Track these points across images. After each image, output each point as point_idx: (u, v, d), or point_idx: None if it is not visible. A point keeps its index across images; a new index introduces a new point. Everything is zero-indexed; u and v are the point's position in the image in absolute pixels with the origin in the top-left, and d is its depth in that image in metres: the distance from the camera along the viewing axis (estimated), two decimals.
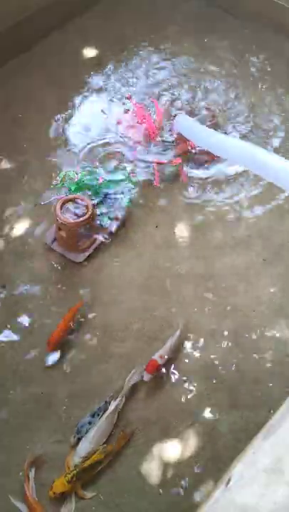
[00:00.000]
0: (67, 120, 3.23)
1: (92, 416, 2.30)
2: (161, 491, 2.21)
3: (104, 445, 2.23)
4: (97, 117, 3.24)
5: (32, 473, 2.18)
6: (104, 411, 2.31)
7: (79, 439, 2.25)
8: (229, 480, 1.32)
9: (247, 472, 1.33)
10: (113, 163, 2.93)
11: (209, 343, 2.55)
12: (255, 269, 2.76)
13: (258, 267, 2.77)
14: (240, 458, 1.45)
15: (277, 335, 2.57)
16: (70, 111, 3.27)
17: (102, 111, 3.26)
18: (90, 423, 2.28)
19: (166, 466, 2.27)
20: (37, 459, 2.23)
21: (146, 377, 2.37)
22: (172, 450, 2.30)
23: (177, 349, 2.49)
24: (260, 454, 1.35)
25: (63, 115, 3.24)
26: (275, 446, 1.35)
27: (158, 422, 2.36)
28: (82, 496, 2.17)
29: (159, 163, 2.99)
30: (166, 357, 2.41)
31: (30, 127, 3.22)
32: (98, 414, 2.30)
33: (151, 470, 2.26)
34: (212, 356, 2.51)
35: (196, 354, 2.51)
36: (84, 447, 2.21)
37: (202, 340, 2.55)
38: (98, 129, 3.19)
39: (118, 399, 2.34)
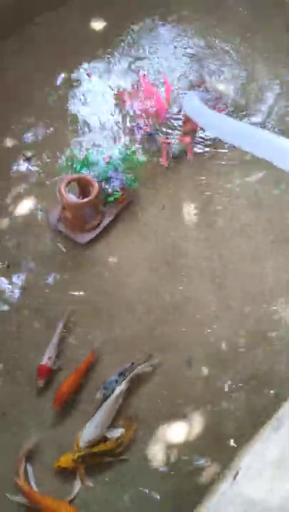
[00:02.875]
0: (72, 96, 3.16)
1: (119, 375, 2.33)
2: (165, 472, 2.23)
3: (117, 435, 2.24)
4: (104, 93, 3.16)
5: (23, 463, 2.20)
6: (131, 372, 2.34)
7: (105, 395, 2.29)
8: (237, 473, 1.32)
9: (255, 465, 1.32)
10: (119, 142, 2.86)
11: (215, 324, 2.53)
12: (262, 251, 2.72)
13: (265, 249, 2.73)
14: (247, 450, 1.44)
15: (285, 316, 2.55)
16: (75, 87, 3.19)
17: (109, 86, 3.17)
18: (116, 381, 2.31)
19: (171, 448, 2.28)
20: (30, 449, 2.25)
21: (40, 383, 2.35)
22: (177, 432, 2.31)
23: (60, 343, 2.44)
24: (268, 447, 1.34)
25: (68, 88, 3.17)
26: (282, 440, 1.34)
27: (163, 405, 2.36)
28: (82, 479, 2.20)
29: (166, 142, 2.92)
30: (53, 357, 2.38)
31: (34, 104, 3.14)
32: (124, 375, 2.33)
33: (157, 452, 2.27)
34: (218, 338, 2.50)
35: (201, 336, 2.50)
36: (89, 432, 2.22)
37: (207, 321, 2.53)
38: (104, 105, 3.11)
39: (124, 384, 2.33)
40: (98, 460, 2.22)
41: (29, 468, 2.21)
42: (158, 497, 2.19)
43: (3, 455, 2.26)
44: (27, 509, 2.14)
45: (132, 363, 2.37)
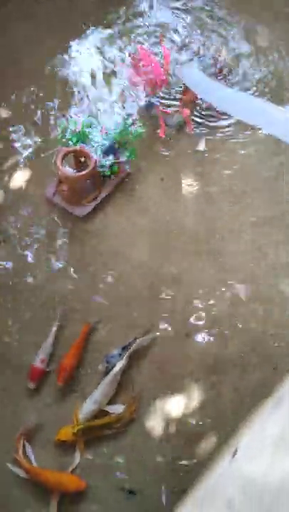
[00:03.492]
0: (68, 65, 3.06)
1: (123, 349, 2.35)
2: (164, 443, 2.25)
3: (119, 412, 2.26)
4: (100, 62, 3.06)
5: (22, 442, 2.21)
6: (133, 346, 2.34)
7: (107, 368, 2.30)
8: (236, 451, 1.33)
9: (254, 443, 1.33)
10: (117, 113, 2.78)
11: (212, 299, 2.52)
12: (262, 225, 2.69)
13: (265, 224, 2.69)
14: (246, 427, 1.45)
15: (285, 291, 2.54)
16: (70, 55, 3.10)
17: (104, 55, 3.07)
18: (119, 355, 2.33)
19: (169, 420, 2.30)
20: (28, 428, 2.26)
21: (31, 385, 2.30)
22: (176, 405, 2.32)
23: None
24: (268, 426, 1.35)
25: (64, 59, 3.08)
26: (283, 418, 1.35)
27: (162, 378, 2.37)
28: (81, 452, 2.22)
29: (164, 113, 2.84)
30: (47, 358, 2.33)
31: (30, 72, 3.05)
32: (127, 349, 2.34)
33: (155, 424, 2.29)
34: (217, 312, 2.49)
35: (199, 310, 2.49)
36: (88, 406, 2.24)
37: (205, 296, 2.52)
38: (101, 75, 3.02)
39: (124, 359, 2.34)
40: (97, 433, 2.25)
41: (27, 446, 2.22)
42: (157, 468, 2.22)
43: (2, 429, 2.28)
44: (27, 481, 2.18)
45: (135, 338, 2.38)
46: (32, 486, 2.16)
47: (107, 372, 2.31)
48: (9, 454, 2.22)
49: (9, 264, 2.59)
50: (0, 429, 2.29)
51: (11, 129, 2.91)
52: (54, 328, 2.41)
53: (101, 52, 3.11)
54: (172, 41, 3.11)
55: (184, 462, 2.22)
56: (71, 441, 2.22)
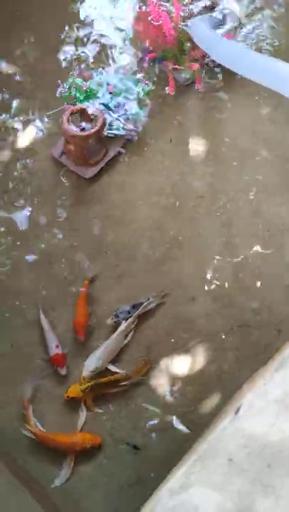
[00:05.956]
0: (74, 17, 2.96)
1: (133, 307, 2.37)
2: (169, 402, 2.30)
3: (125, 371, 2.31)
4: (106, 12, 2.95)
5: (31, 410, 2.26)
6: (144, 307, 2.37)
7: (115, 323, 2.35)
8: (239, 409, 1.35)
9: (257, 402, 1.35)
10: (125, 70, 2.70)
11: (217, 263, 2.51)
12: (271, 187, 2.65)
13: (273, 186, 2.65)
14: (249, 387, 1.47)
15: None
16: (77, 6, 2.98)
17: (114, 7, 2.95)
18: (128, 312, 2.36)
19: (174, 379, 2.34)
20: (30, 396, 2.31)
21: (63, 371, 2.32)
22: (181, 364, 2.36)
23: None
24: (272, 386, 1.37)
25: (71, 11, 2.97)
26: (287, 378, 1.36)
27: (167, 340, 2.40)
28: (90, 408, 2.28)
29: (174, 69, 2.75)
30: (58, 344, 2.34)
31: (33, 25, 2.95)
32: (138, 308, 2.36)
33: (161, 383, 2.33)
34: (222, 275, 2.49)
35: (205, 273, 2.50)
36: (92, 362, 2.28)
37: (212, 259, 2.52)
38: (108, 27, 2.91)
39: (130, 320, 2.36)
40: (105, 390, 2.29)
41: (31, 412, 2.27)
42: (162, 425, 2.28)
43: (11, 386, 2.34)
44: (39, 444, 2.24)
45: (148, 298, 2.39)
46: (44, 448, 2.22)
47: (115, 326, 2.34)
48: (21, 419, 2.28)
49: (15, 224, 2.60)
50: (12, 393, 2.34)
51: (15, 85, 2.84)
52: (41, 316, 2.41)
53: (109, 5, 3.00)
54: None
55: (189, 419, 2.27)
56: (80, 398, 2.27)
